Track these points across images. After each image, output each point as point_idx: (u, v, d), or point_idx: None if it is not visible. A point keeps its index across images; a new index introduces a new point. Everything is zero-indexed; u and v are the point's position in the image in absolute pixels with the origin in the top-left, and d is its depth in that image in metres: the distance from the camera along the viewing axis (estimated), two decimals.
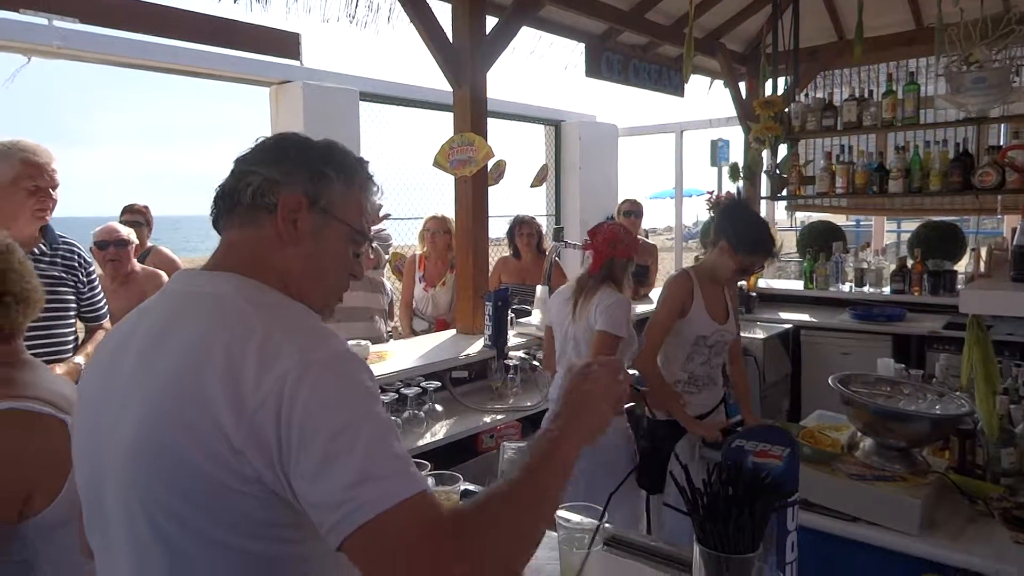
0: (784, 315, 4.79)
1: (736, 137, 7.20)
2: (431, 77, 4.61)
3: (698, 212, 16.46)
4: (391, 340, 3.95)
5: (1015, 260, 1.90)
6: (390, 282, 4.37)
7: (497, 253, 4.91)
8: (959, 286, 4.59)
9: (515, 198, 5.55)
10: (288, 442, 0.78)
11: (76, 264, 2.45)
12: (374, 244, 3.72)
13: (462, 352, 3.34)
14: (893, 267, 4.89)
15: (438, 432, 2.82)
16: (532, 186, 4.82)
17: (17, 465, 1.29)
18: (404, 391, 2.81)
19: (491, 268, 4.35)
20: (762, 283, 5.50)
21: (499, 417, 3.05)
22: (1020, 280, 1.87)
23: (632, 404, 2.70)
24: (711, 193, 5.68)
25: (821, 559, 1.77)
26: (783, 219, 7.76)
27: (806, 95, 4.52)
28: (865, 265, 5.03)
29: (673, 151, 8.47)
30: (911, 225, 7.33)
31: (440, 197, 5.54)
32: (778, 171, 4.20)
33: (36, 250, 2.32)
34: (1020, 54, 3.38)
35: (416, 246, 4.48)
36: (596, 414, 1.00)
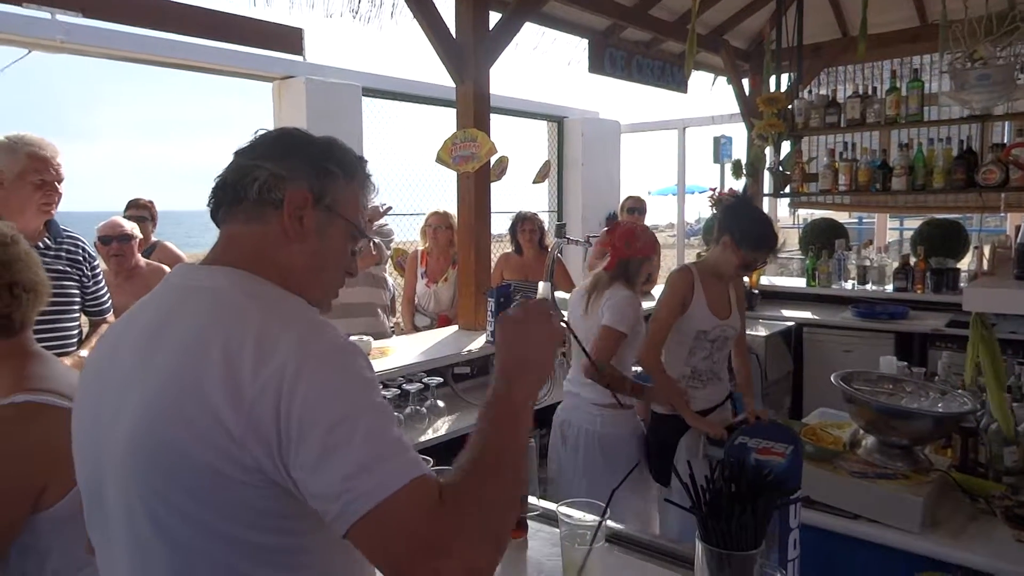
0: (786, 312, 4.78)
1: (739, 134, 7.20)
2: (434, 73, 4.62)
3: (700, 209, 16.49)
4: (393, 336, 3.95)
5: (1019, 258, 1.90)
6: (392, 278, 4.37)
7: (499, 249, 4.90)
8: (962, 284, 4.58)
9: (517, 194, 5.56)
10: (287, 434, 0.79)
11: (80, 258, 2.46)
12: (376, 240, 3.72)
13: (464, 348, 3.34)
14: (896, 265, 4.88)
15: (440, 428, 2.82)
16: (534, 182, 4.83)
17: (34, 458, 1.29)
18: (406, 387, 2.81)
19: (493, 264, 4.35)
20: (764, 280, 5.49)
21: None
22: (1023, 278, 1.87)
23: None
24: (714, 190, 5.67)
25: (823, 556, 1.77)
26: (786, 216, 7.74)
27: (809, 92, 4.52)
28: (868, 263, 5.02)
29: (676, 148, 8.46)
30: (914, 223, 7.31)
31: (442, 193, 5.55)
32: (781, 168, 4.20)
33: (40, 244, 2.33)
34: None
35: (418, 242, 4.48)
36: (539, 358, 1.01)
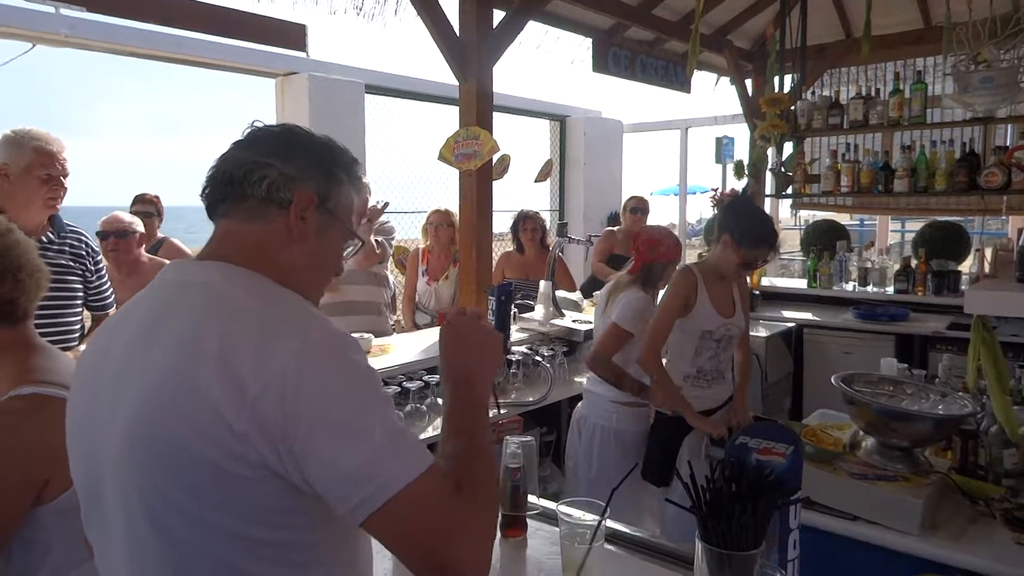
0: (787, 314, 4.78)
1: (741, 134, 7.20)
2: (437, 70, 4.61)
3: (702, 209, 16.45)
4: (394, 333, 3.95)
5: (1020, 261, 1.90)
6: (393, 276, 4.37)
7: (500, 248, 4.90)
8: (963, 287, 4.58)
9: (519, 193, 5.54)
10: (296, 429, 0.79)
11: (84, 253, 2.46)
12: (378, 238, 3.72)
13: None
14: (897, 267, 4.88)
15: (440, 426, 2.82)
16: (536, 181, 4.81)
17: (39, 450, 1.29)
18: (406, 384, 2.81)
19: (494, 263, 4.35)
20: (765, 281, 5.49)
21: (501, 411, 3.05)
22: None
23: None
24: (715, 190, 5.67)
25: (823, 558, 1.77)
26: (787, 217, 7.74)
27: (812, 93, 4.52)
28: (869, 264, 5.02)
29: (678, 148, 8.46)
30: (915, 225, 7.30)
31: (444, 191, 5.55)
32: (783, 169, 4.19)
33: (44, 238, 2.33)
34: None
35: (419, 239, 4.49)
36: (486, 359, 1.13)
